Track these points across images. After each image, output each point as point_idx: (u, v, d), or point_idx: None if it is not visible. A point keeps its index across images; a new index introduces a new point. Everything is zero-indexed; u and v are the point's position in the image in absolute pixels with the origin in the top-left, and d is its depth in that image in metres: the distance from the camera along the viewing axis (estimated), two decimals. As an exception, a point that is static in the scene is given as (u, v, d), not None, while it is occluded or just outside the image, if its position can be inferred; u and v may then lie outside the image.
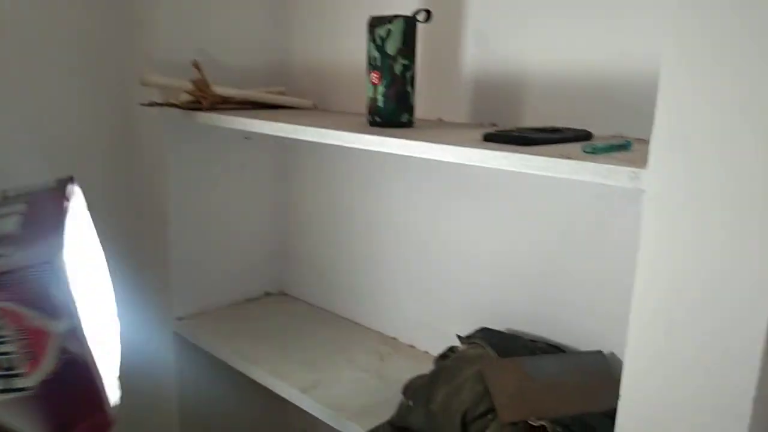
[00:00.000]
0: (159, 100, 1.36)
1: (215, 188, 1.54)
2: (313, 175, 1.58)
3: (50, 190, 0.65)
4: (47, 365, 0.53)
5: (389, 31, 1.04)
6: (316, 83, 1.53)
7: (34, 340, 0.51)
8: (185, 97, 1.35)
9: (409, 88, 1.08)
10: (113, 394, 0.61)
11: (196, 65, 1.34)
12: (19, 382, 0.52)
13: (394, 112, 1.07)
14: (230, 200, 1.58)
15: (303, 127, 1.07)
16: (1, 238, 0.59)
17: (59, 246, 0.54)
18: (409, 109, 1.09)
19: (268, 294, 1.71)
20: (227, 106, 1.38)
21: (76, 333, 0.53)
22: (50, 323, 0.52)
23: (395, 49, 1.05)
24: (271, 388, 1.27)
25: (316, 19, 1.50)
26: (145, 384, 1.54)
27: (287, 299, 1.69)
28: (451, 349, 1.14)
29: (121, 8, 1.46)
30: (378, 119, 1.08)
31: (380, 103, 1.07)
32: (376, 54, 1.06)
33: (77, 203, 0.67)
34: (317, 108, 1.50)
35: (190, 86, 1.33)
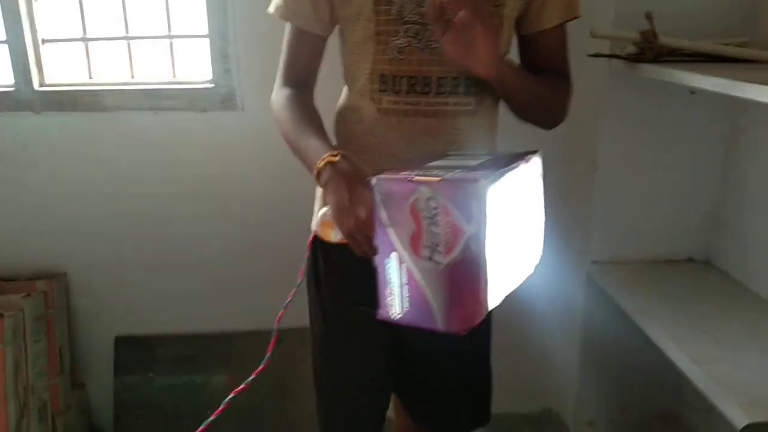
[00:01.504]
0: (607, 52, 1.42)
1: (650, 141, 1.53)
2: (766, 141, 1.40)
3: (518, 154, 0.88)
4: (455, 253, 0.73)
5: None
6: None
7: (452, 232, 0.73)
8: (631, 49, 1.36)
9: None
10: (493, 298, 0.76)
11: (648, 16, 1.33)
12: (438, 258, 0.74)
13: None
14: (664, 156, 1.54)
15: (752, 85, 0.98)
16: (463, 166, 0.83)
17: (490, 177, 0.74)
18: None
19: (691, 260, 1.62)
20: (676, 58, 1.33)
21: (478, 237, 0.72)
22: (464, 224, 0.72)
23: None
24: (664, 350, 1.25)
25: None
26: (554, 312, 1.70)
27: (710, 269, 1.57)
28: None
29: None
30: None
31: None
32: None
33: (533, 168, 0.88)
34: (786, 62, 1.30)
35: (637, 37, 1.34)
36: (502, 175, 0.76)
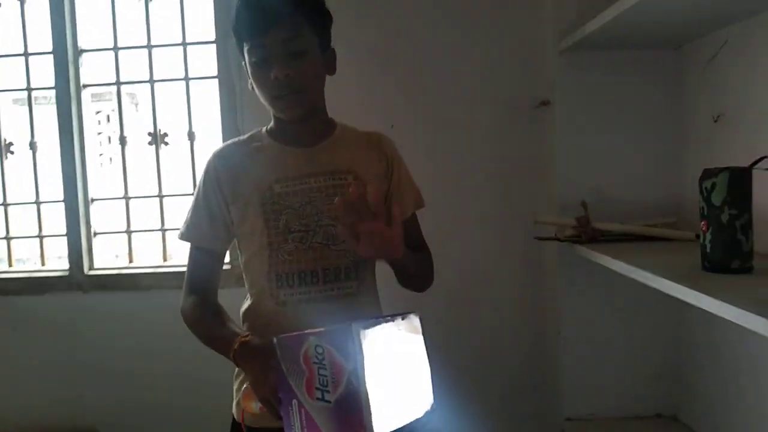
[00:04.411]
0: (551, 235, 1.68)
1: (606, 308, 1.73)
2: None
3: (398, 313, 1.01)
4: (341, 389, 0.87)
5: (714, 184, 1.10)
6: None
7: (336, 371, 0.88)
8: (570, 232, 1.62)
9: (740, 236, 1.09)
10: (379, 427, 0.88)
11: (584, 204, 1.60)
12: (328, 396, 0.89)
13: (722, 260, 1.10)
14: (621, 319, 1.73)
15: (627, 265, 1.22)
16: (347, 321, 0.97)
17: (363, 323, 0.90)
18: (743, 256, 1.09)
19: (659, 416, 1.74)
20: (609, 238, 1.57)
21: (357, 373, 0.86)
22: (345, 362, 0.87)
23: (721, 200, 1.09)
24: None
25: (708, 153, 1.56)
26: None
27: (677, 425, 1.69)
28: None
29: (527, 161, 1.89)
30: (708, 265, 1.13)
31: (708, 250, 1.12)
32: (703, 204, 1.12)
33: (411, 323, 1.02)
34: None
35: (574, 223, 1.60)
36: (376, 323, 0.92)
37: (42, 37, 2.07)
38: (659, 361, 1.74)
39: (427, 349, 1.03)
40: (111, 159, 2.95)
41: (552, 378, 1.84)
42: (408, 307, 1.04)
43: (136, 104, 2.48)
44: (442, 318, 1.84)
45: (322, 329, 0.92)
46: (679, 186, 1.69)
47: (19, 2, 2.11)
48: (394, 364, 0.96)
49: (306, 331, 0.93)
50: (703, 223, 1.13)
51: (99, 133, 2.26)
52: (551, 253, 1.79)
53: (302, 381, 0.91)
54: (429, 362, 1.03)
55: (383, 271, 1.22)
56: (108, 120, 7.34)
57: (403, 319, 1.01)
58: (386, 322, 0.97)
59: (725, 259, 1.10)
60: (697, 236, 1.53)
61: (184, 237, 1.25)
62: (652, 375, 1.74)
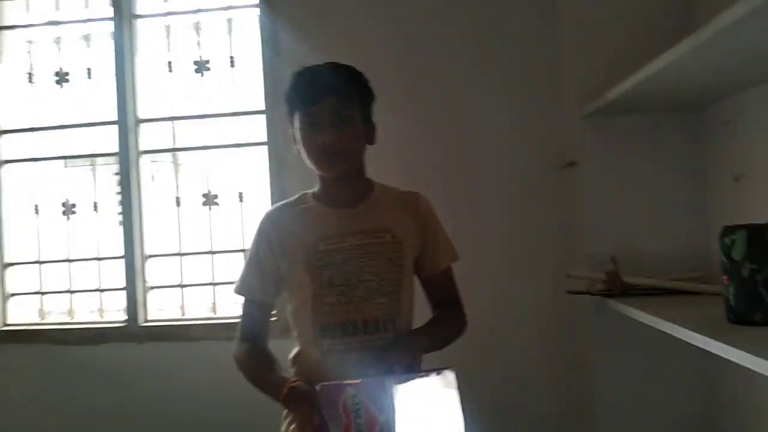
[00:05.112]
0: (582, 289, 1.75)
1: (637, 360, 1.77)
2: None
3: (434, 368, 1.12)
4: None
5: (733, 240, 1.18)
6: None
7: (370, 422, 0.97)
8: (600, 286, 1.69)
9: (761, 289, 1.16)
10: None
11: (613, 259, 1.68)
12: None
13: (745, 313, 1.17)
14: (654, 371, 1.77)
15: (655, 318, 1.29)
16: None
17: (398, 378, 1.01)
18: (766, 308, 1.16)
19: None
20: (637, 292, 1.64)
21: (389, 426, 0.96)
22: (378, 414, 0.96)
23: (741, 256, 1.17)
24: None
25: (730, 210, 1.63)
26: None
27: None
28: None
29: (556, 219, 1.99)
30: (732, 317, 1.20)
31: (731, 303, 1.19)
32: (724, 259, 1.20)
33: (446, 379, 1.11)
34: (729, 293, 1.58)
35: (604, 277, 1.67)
36: (410, 378, 1.01)
37: (99, 108, 2.29)
38: (692, 413, 1.77)
39: (461, 404, 1.11)
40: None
41: (585, 430, 1.87)
42: (442, 357, 1.13)
43: (179, 165, 2.67)
44: (474, 368, 1.89)
45: (359, 381, 1.01)
46: (705, 241, 1.75)
47: (87, 78, 2.34)
48: (427, 417, 1.04)
49: (345, 382, 1.02)
50: (725, 277, 1.20)
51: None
52: (582, 306, 1.86)
53: (340, 427, 1.00)
54: (463, 416, 1.11)
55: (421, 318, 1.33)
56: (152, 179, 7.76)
57: (438, 374, 1.09)
58: (420, 377, 1.05)
59: (748, 312, 1.17)
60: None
61: (237, 291, 1.38)
62: (684, 427, 1.77)
